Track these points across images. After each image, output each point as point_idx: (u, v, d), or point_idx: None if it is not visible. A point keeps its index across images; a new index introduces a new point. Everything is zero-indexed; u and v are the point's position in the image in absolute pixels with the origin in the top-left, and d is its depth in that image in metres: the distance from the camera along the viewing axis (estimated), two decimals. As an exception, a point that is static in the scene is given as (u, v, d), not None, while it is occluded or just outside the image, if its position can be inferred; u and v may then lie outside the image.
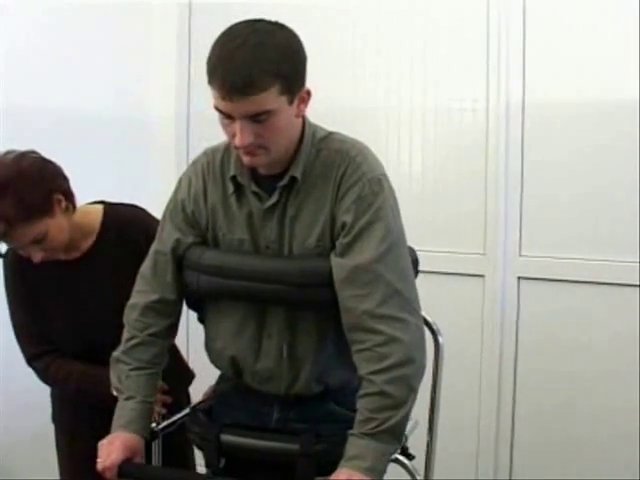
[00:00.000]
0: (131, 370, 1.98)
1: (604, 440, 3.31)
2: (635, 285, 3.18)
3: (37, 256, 2.17)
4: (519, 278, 3.42)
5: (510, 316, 3.43)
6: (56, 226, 2.16)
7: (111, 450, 1.88)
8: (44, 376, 2.36)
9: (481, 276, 3.47)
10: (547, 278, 3.37)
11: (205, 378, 2.28)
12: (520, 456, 3.51)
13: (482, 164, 3.43)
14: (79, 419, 2.41)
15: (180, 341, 2.57)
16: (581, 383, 3.35)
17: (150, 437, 2.01)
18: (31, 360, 2.34)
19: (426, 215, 3.52)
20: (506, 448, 3.52)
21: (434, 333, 2.05)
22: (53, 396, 2.48)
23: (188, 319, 2.13)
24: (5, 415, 3.56)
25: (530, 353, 3.44)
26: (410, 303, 1.81)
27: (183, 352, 2.63)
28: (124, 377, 1.98)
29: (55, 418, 2.49)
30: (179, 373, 2.49)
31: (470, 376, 3.54)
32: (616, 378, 3.27)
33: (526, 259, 3.40)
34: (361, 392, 1.77)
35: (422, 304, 1.90)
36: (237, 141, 1.72)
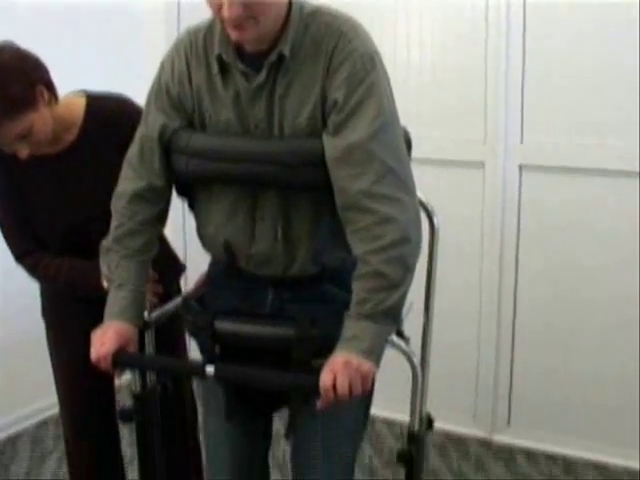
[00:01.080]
0: (121, 258, 1.94)
1: (604, 325, 3.32)
2: (637, 172, 3.12)
3: (23, 152, 2.13)
4: (520, 166, 3.35)
5: (511, 206, 3.39)
6: (40, 119, 2.10)
7: (104, 339, 1.86)
8: (34, 273, 2.34)
9: (481, 164, 3.40)
10: (549, 166, 3.31)
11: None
12: (521, 343, 3.53)
13: (483, 50, 3.33)
14: (68, 314, 2.41)
15: (177, 235, 2.57)
16: (583, 271, 3.33)
17: (143, 327, 1.99)
18: (20, 257, 2.31)
19: (425, 101, 3.44)
20: (508, 336, 3.53)
21: (429, 214, 1.99)
22: (42, 292, 2.47)
23: (184, 210, 2.08)
24: (5, 317, 3.59)
25: (531, 242, 3.41)
26: (404, 182, 1.77)
27: (179, 244, 2.60)
28: (114, 266, 1.95)
29: (44, 313, 2.49)
30: (168, 264, 2.47)
31: (470, 267, 3.52)
32: (619, 266, 3.25)
33: (528, 147, 3.33)
34: (356, 273, 1.74)
35: (421, 194, 1.86)
36: (225, 13, 1.64)
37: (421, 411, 1.96)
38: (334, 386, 1.67)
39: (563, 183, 3.30)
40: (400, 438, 3.62)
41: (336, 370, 1.67)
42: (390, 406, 3.57)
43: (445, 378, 3.40)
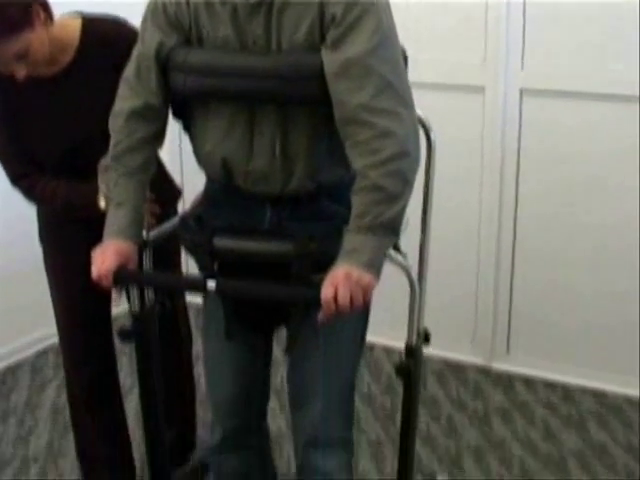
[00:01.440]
0: (120, 176, 1.93)
1: (605, 249, 3.31)
2: (637, 97, 3.07)
3: (21, 73, 2.11)
4: (521, 90, 3.30)
5: (512, 130, 3.34)
6: (37, 40, 2.08)
7: (105, 257, 1.86)
8: (30, 195, 2.34)
9: (481, 88, 3.35)
10: (550, 90, 3.26)
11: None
12: (521, 270, 3.52)
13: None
14: (65, 236, 2.41)
15: (173, 157, 2.54)
16: (583, 193, 3.30)
17: (141, 246, 1.98)
18: (16, 180, 2.31)
19: (425, 23, 3.37)
20: (507, 263, 3.52)
21: (426, 130, 1.98)
22: (39, 215, 2.46)
23: (181, 132, 2.05)
24: (2, 246, 3.57)
25: (531, 167, 3.37)
26: (403, 96, 1.75)
27: (176, 166, 2.58)
28: (113, 184, 1.94)
29: (42, 237, 2.48)
30: (164, 187, 2.47)
31: (470, 191, 3.49)
32: (618, 188, 3.23)
33: (528, 71, 3.27)
34: (355, 187, 1.73)
35: (418, 110, 1.83)
36: None
37: (418, 325, 1.96)
38: (335, 298, 1.67)
39: (564, 107, 3.26)
40: (397, 365, 3.63)
41: (337, 282, 1.67)
42: (389, 333, 3.58)
43: (444, 305, 3.41)
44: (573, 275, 3.39)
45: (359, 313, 1.92)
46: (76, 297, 2.43)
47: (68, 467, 2.96)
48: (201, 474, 2.72)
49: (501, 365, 3.62)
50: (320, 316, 1.72)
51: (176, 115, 1.98)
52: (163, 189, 2.36)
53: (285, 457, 2.93)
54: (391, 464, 2.92)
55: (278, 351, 2.33)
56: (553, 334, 3.49)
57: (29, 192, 2.32)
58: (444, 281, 3.47)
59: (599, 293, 3.36)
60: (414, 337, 1.95)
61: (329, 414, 1.99)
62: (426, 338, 2.02)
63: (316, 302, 1.69)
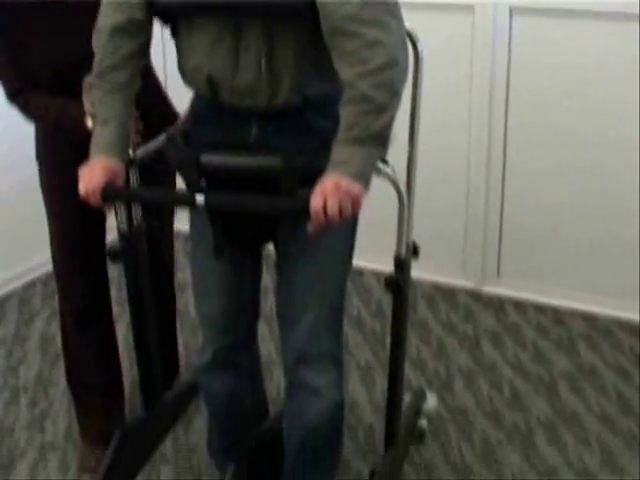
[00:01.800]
0: (105, 93, 1.91)
1: (597, 168, 3.28)
2: (635, 16, 3.00)
3: None
4: (511, 9, 3.22)
5: (501, 50, 3.27)
6: None
7: (92, 174, 1.86)
8: (25, 111, 2.34)
9: (471, 8, 3.27)
10: (541, 8, 3.19)
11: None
12: (511, 193, 3.48)
13: None
14: (61, 156, 2.40)
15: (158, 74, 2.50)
16: (576, 110, 3.25)
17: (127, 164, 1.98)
18: (12, 96, 2.32)
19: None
20: (497, 186, 3.49)
21: (413, 42, 1.93)
22: (37, 134, 2.46)
23: (165, 50, 1.99)
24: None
25: (522, 86, 3.31)
26: (390, 7, 1.71)
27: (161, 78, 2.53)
28: (98, 101, 1.92)
29: (38, 155, 2.47)
30: (164, 110, 2.47)
31: (459, 108, 3.44)
32: (615, 108, 3.17)
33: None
34: (344, 98, 1.70)
35: (405, 22, 1.79)
36: None
37: (407, 238, 1.95)
38: (324, 208, 1.65)
39: (555, 26, 3.19)
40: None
41: (326, 192, 1.65)
42: (378, 258, 3.57)
43: (433, 229, 3.38)
44: (564, 198, 3.36)
45: (347, 228, 1.93)
46: (70, 218, 2.43)
47: (58, 395, 2.97)
48: (189, 396, 2.73)
49: (491, 288, 3.61)
50: (309, 227, 1.70)
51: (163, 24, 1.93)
52: (162, 112, 2.39)
53: (275, 382, 2.93)
54: (381, 388, 2.93)
55: (268, 278, 2.32)
56: (543, 257, 3.48)
57: (24, 109, 2.32)
58: (434, 205, 3.44)
59: (590, 216, 3.33)
60: (403, 250, 1.94)
61: (318, 330, 1.98)
62: (415, 252, 2.01)
63: (305, 213, 1.67)
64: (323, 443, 2.11)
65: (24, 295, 3.74)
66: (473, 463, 2.56)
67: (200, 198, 1.77)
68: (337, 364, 2.05)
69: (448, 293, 3.64)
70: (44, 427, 2.78)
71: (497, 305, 3.53)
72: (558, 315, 3.42)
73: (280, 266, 1.97)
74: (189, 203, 1.81)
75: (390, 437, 2.17)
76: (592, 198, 3.30)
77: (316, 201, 1.66)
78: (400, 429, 2.22)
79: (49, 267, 3.80)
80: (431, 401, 2.70)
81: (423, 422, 2.65)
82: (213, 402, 2.21)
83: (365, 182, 1.69)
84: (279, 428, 2.17)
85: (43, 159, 2.46)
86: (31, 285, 3.81)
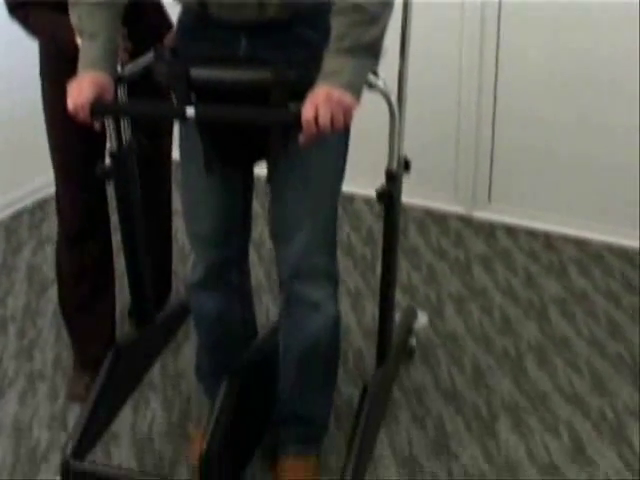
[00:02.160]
0: (92, 7, 1.87)
1: (589, 94, 3.22)
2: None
3: None
4: None
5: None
6: None
7: (80, 89, 1.83)
8: (25, 25, 2.32)
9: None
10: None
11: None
12: (503, 116, 3.43)
13: None
14: (62, 73, 2.32)
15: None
16: (572, 43, 3.19)
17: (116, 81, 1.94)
18: (13, 9, 2.31)
19: None
20: (489, 108, 3.43)
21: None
22: (40, 49, 2.43)
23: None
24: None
25: (514, 11, 3.23)
26: None
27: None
28: (85, 15, 1.88)
29: (42, 72, 2.44)
30: (160, 20, 2.43)
31: (450, 38, 3.37)
32: (610, 44, 3.11)
33: None
34: (335, 8, 1.67)
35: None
36: None
37: (399, 152, 1.92)
38: (316, 118, 1.63)
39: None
40: (379, 216, 3.60)
41: (317, 102, 1.63)
42: (369, 184, 3.53)
43: (425, 154, 3.34)
44: (557, 121, 3.31)
45: (339, 144, 1.91)
46: (71, 137, 2.39)
47: (46, 325, 2.96)
48: (181, 318, 2.72)
49: (482, 214, 3.58)
50: (301, 138, 1.68)
51: None
52: (156, 21, 2.38)
53: (264, 308, 2.92)
54: (371, 314, 2.93)
55: (257, 205, 2.28)
56: (535, 182, 3.45)
57: (24, 23, 2.31)
58: (425, 131, 3.39)
59: (583, 142, 3.29)
60: (394, 163, 1.91)
61: (313, 244, 1.97)
62: (406, 166, 1.97)
63: (296, 124, 1.65)
64: (322, 358, 2.11)
65: (11, 225, 3.71)
66: (463, 388, 2.56)
67: (190, 111, 1.73)
68: (332, 280, 2.05)
69: (439, 218, 3.61)
70: (32, 356, 2.77)
71: (488, 230, 3.50)
72: (549, 240, 3.40)
73: (272, 183, 1.95)
74: (179, 116, 1.78)
75: (381, 356, 2.17)
76: (586, 121, 3.25)
77: (307, 111, 1.63)
78: (391, 348, 2.21)
79: (36, 196, 3.83)
80: (422, 320, 2.71)
81: (413, 340, 2.67)
82: (203, 320, 2.20)
83: (356, 93, 1.66)
84: (271, 346, 2.18)
85: (46, 74, 2.43)
86: (17, 216, 3.76)
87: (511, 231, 3.48)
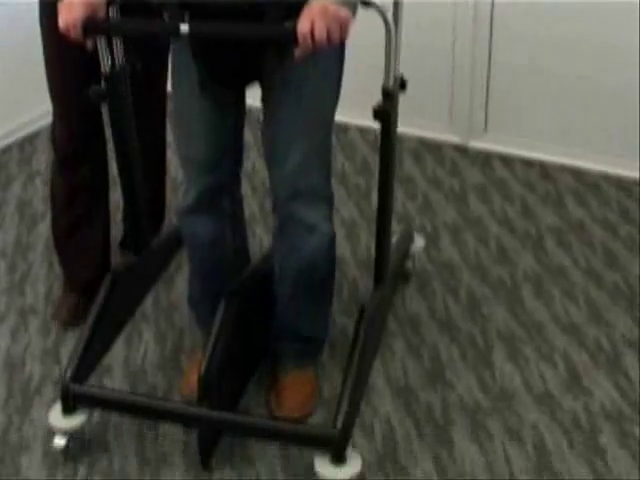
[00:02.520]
0: None
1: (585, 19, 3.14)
2: None
3: None
4: None
5: None
6: None
7: (71, 7, 1.81)
8: None
9: None
10: None
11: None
12: (499, 43, 3.35)
13: None
14: None
15: None
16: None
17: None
18: None
19: None
20: (485, 35, 3.35)
21: None
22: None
23: None
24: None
25: None
26: None
27: None
28: None
29: (42, 23, 2.38)
30: None
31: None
32: None
33: None
34: None
35: None
36: None
37: (395, 70, 1.88)
38: (312, 32, 1.61)
39: None
40: (373, 146, 3.55)
41: (313, 16, 1.62)
42: (363, 114, 3.48)
43: (420, 83, 3.22)
44: (552, 50, 3.24)
45: (334, 63, 1.90)
46: (68, 61, 2.35)
47: (37, 259, 2.93)
48: (176, 244, 2.67)
49: (478, 143, 3.53)
50: (297, 53, 1.66)
51: None
52: None
53: (257, 240, 2.89)
54: (365, 244, 2.90)
55: (250, 135, 2.22)
56: (532, 112, 3.40)
57: None
58: (420, 60, 3.31)
59: (580, 67, 3.22)
60: (391, 81, 1.87)
61: (308, 165, 1.97)
62: (402, 85, 1.95)
63: (292, 39, 1.64)
64: (318, 277, 2.13)
65: (1, 160, 3.64)
66: (458, 318, 2.54)
67: (184, 27, 1.70)
68: (327, 200, 2.06)
69: (434, 148, 3.56)
70: (24, 291, 2.74)
71: (484, 160, 3.46)
72: (546, 170, 3.36)
73: (266, 104, 1.94)
74: (173, 32, 1.74)
75: (378, 278, 2.17)
76: (585, 45, 3.18)
77: (303, 25, 1.61)
78: (388, 270, 2.21)
79: (25, 131, 3.77)
80: (418, 243, 2.72)
81: (409, 263, 2.68)
82: (195, 246, 2.20)
83: (352, 8, 1.65)
84: (268, 269, 2.20)
85: (45, 26, 2.37)
86: (7, 150, 3.70)
87: (507, 161, 3.43)
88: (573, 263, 2.78)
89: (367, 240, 2.90)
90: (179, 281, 2.74)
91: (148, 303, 2.62)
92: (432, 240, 2.93)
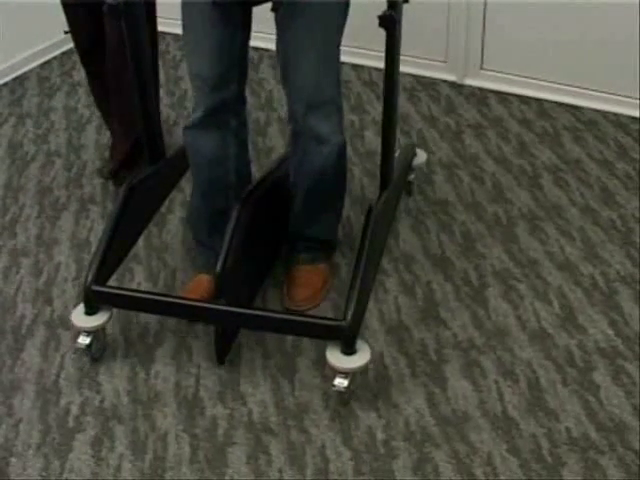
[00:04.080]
0: None
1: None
2: None
3: None
4: None
5: None
6: None
7: None
8: None
9: None
10: None
11: None
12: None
13: None
14: None
15: None
16: None
17: None
18: None
19: None
20: None
21: None
22: None
23: None
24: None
25: None
26: None
27: None
28: None
29: None
30: None
31: None
32: None
33: None
34: None
35: None
36: None
37: None
38: None
39: None
40: (367, 84, 3.50)
41: None
42: (357, 52, 3.44)
43: (416, 20, 3.17)
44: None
45: None
46: None
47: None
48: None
49: (474, 81, 3.47)
50: None
51: None
52: None
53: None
54: (359, 181, 2.87)
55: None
56: (528, 49, 3.34)
57: None
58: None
59: (576, 8, 3.15)
60: None
61: (321, 78, 2.08)
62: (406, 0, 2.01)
63: None
64: (329, 185, 2.28)
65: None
66: (452, 255, 2.52)
67: None
68: (339, 110, 2.18)
69: (430, 86, 3.50)
70: (15, 233, 2.72)
71: (480, 98, 3.41)
72: (543, 107, 3.31)
73: (278, 22, 2.06)
74: None
75: (384, 181, 2.27)
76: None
77: None
78: (393, 174, 2.31)
79: (13, 75, 3.77)
80: (421, 157, 2.80)
81: (412, 176, 2.77)
82: (199, 162, 2.26)
83: None
84: (281, 174, 2.34)
85: None
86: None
87: (503, 98, 3.38)
88: (569, 201, 2.75)
89: (360, 177, 2.87)
90: (171, 222, 2.72)
91: (140, 244, 2.60)
92: (426, 177, 2.89)
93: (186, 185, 2.83)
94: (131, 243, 2.46)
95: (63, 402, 2.09)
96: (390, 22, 1.95)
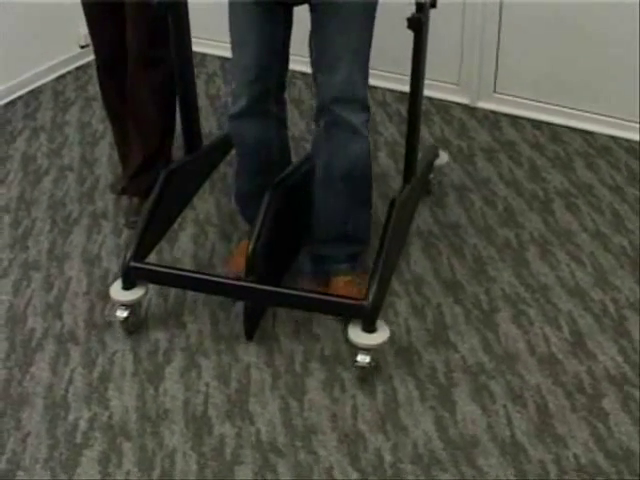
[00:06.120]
0: None
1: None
2: None
3: None
4: None
5: None
6: None
7: None
8: None
9: None
10: None
11: None
12: (510, 5, 3.29)
13: None
14: None
15: None
16: None
17: None
18: None
19: None
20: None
21: None
22: None
23: None
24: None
25: None
26: None
27: None
28: None
29: None
30: None
31: None
32: None
33: None
34: None
35: None
36: None
37: None
38: None
39: None
40: (381, 104, 3.50)
41: None
42: (372, 74, 3.44)
43: (429, 42, 3.18)
44: (563, 15, 3.18)
45: None
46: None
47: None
48: (225, 146, 2.87)
49: (487, 104, 3.48)
50: None
51: None
52: None
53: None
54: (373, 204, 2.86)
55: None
56: (542, 74, 3.34)
57: None
58: (430, 19, 3.25)
59: (589, 33, 3.17)
60: None
61: (353, 73, 2.18)
62: (433, 4, 2.17)
63: None
64: (360, 178, 2.34)
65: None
66: (463, 278, 2.52)
67: None
68: (367, 110, 2.26)
69: (442, 108, 3.52)
70: (27, 246, 2.73)
71: (492, 121, 3.41)
72: (555, 132, 3.32)
73: (314, 14, 2.18)
74: None
75: (408, 174, 2.43)
76: (592, 17, 3.13)
77: None
78: (416, 169, 2.47)
79: (27, 88, 3.79)
80: (443, 158, 2.96)
81: (431, 176, 2.91)
82: (245, 147, 2.41)
83: None
84: (308, 167, 2.44)
85: None
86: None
87: (516, 122, 3.39)
88: (580, 226, 2.75)
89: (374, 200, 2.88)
90: (183, 238, 2.74)
91: (151, 258, 2.61)
92: (438, 200, 2.90)
93: (198, 201, 2.85)
94: (167, 226, 2.62)
95: (71, 417, 2.10)
96: (418, 24, 2.13)
